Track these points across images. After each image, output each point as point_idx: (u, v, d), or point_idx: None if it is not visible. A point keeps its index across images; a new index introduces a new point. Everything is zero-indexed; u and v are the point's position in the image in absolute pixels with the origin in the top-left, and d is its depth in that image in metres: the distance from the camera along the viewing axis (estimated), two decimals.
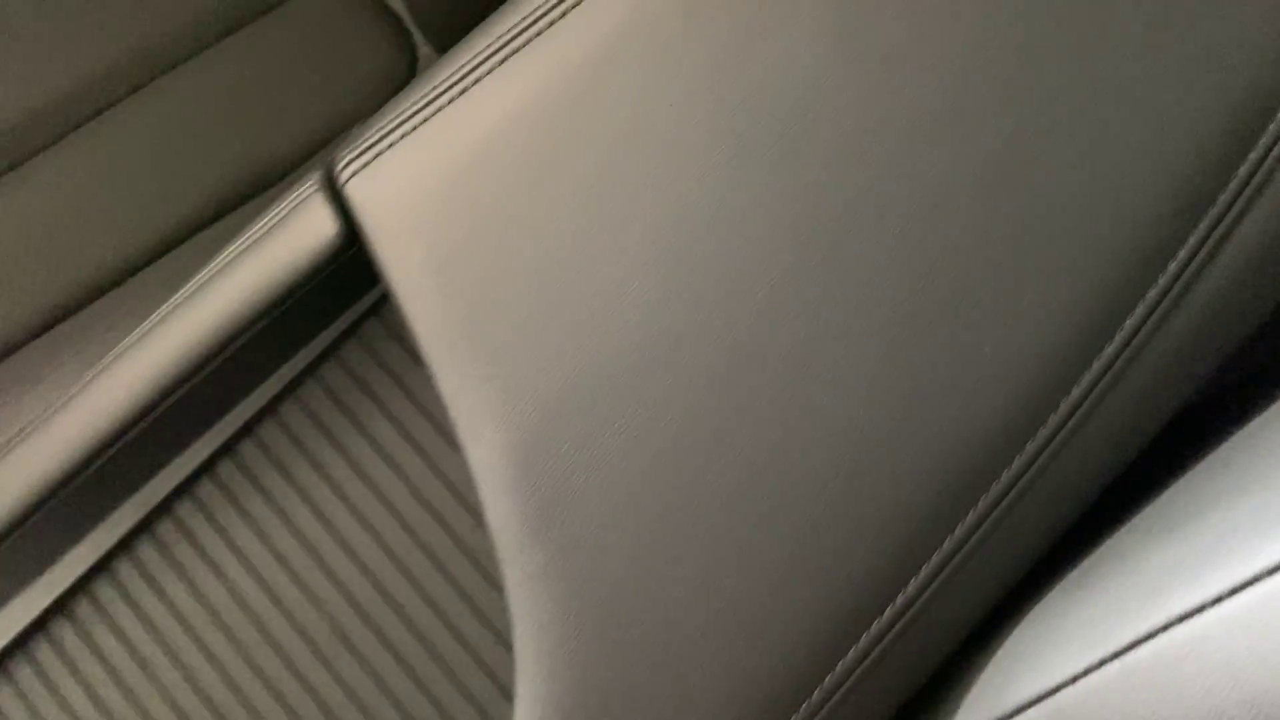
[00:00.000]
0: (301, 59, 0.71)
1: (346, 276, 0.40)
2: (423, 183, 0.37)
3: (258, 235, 0.38)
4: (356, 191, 0.37)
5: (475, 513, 0.39)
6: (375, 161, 0.38)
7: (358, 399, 0.41)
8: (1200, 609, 0.24)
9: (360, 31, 0.69)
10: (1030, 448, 0.34)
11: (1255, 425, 0.35)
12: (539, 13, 0.38)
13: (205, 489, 0.41)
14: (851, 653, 0.34)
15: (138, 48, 0.68)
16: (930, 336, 0.34)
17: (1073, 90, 0.35)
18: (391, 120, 0.38)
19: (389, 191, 0.37)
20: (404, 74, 0.67)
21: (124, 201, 0.66)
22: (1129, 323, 0.35)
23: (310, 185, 0.39)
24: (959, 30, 0.35)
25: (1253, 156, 0.34)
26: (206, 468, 0.41)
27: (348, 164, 0.38)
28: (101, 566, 0.42)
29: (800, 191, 0.35)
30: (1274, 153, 0.34)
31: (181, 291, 0.38)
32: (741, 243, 0.35)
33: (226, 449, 0.41)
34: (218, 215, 0.67)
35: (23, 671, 0.41)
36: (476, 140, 0.37)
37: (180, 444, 0.40)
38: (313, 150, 0.70)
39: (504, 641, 0.40)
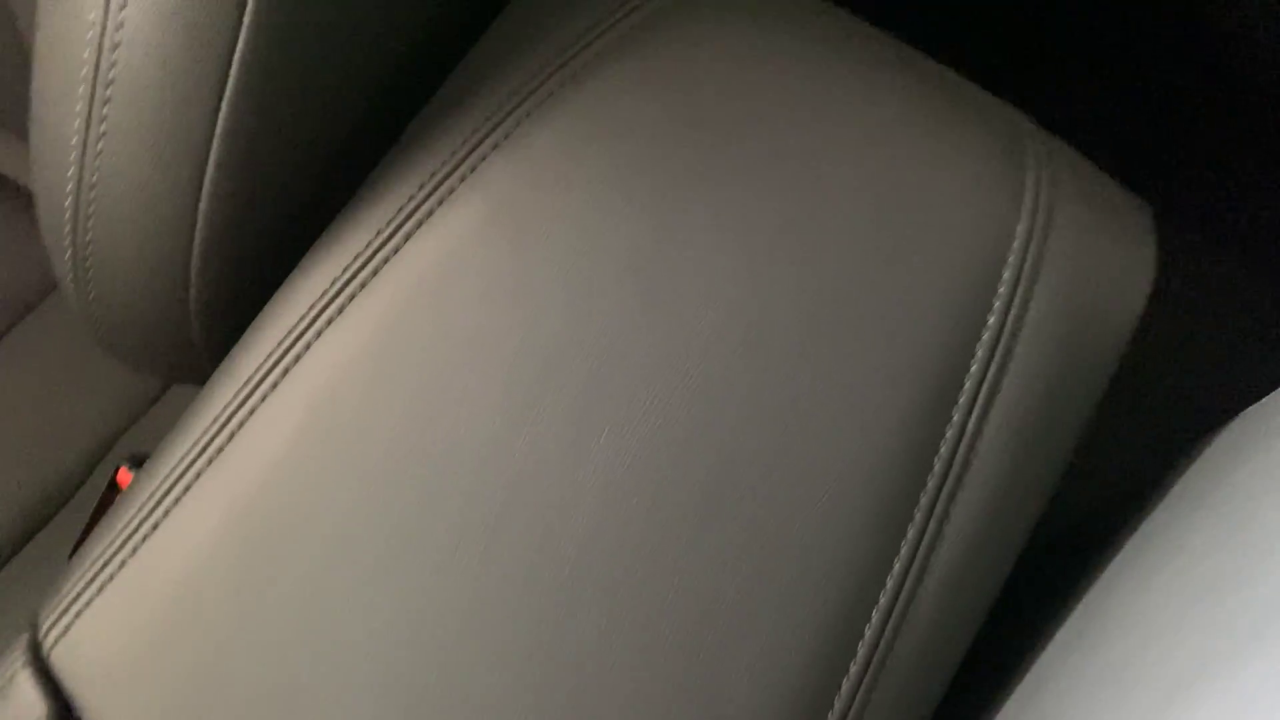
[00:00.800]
0: (73, 360, 0.69)
1: None
2: (123, 645, 0.34)
3: None
4: (61, 662, 0.35)
5: None
6: (76, 623, 0.35)
7: None
8: None
9: None
10: None
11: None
12: (216, 426, 0.36)
13: None
14: None
15: None
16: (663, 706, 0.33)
17: (756, 424, 0.34)
18: (86, 572, 0.36)
19: (92, 658, 0.35)
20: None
21: None
22: (866, 639, 0.34)
23: (16, 657, 0.36)
24: (630, 406, 0.34)
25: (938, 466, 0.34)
26: None
27: (49, 629, 0.36)
28: None
29: (513, 587, 0.34)
30: (958, 458, 0.34)
31: None
32: (460, 667, 0.33)
33: None
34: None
35: None
36: (169, 586, 0.35)
37: None
38: (105, 449, 0.67)
39: None
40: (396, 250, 0.37)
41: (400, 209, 0.38)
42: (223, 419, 0.37)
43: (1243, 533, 0.28)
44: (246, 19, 0.33)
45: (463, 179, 0.37)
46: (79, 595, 0.36)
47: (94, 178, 0.37)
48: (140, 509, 0.36)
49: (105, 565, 0.36)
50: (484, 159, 0.38)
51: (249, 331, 0.38)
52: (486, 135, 0.38)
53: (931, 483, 0.35)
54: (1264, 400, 0.38)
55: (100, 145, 0.36)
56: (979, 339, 0.35)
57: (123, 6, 0.34)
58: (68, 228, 0.39)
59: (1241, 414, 0.39)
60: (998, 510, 0.36)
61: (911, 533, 0.34)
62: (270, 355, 0.37)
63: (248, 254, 0.40)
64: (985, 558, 0.36)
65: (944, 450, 0.35)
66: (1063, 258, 0.37)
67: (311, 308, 0.37)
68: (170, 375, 0.51)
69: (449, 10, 0.41)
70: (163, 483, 0.36)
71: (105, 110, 0.36)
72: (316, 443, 0.35)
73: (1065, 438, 0.37)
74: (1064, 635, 0.36)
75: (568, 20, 0.40)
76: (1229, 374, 0.69)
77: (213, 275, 0.40)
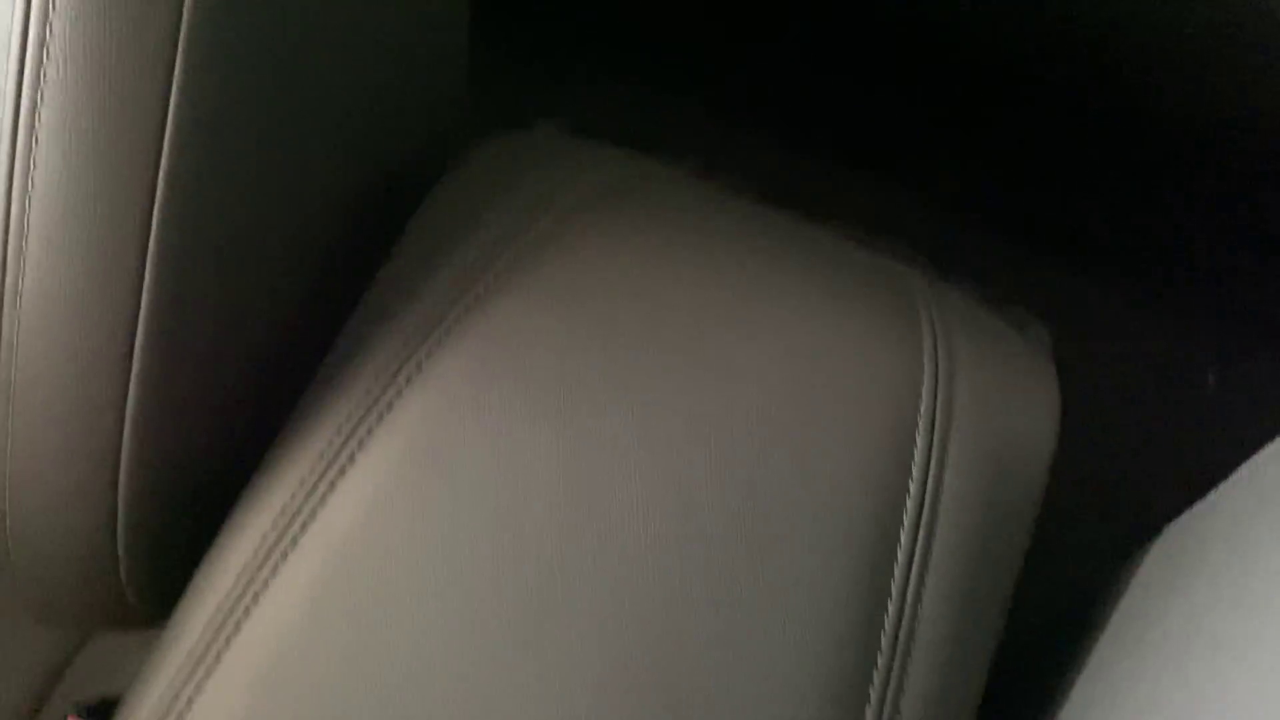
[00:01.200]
0: None
1: None
2: None
3: None
4: None
5: None
6: None
7: None
8: None
9: None
10: None
11: None
12: (162, 706, 0.36)
13: None
14: None
15: None
16: None
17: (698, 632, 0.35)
18: None
19: None
20: None
21: None
22: None
23: None
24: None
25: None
26: None
27: None
28: None
29: None
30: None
31: None
32: None
33: None
34: None
35: None
36: None
37: None
38: (44, 696, 0.65)
39: None
40: (324, 499, 0.37)
41: (321, 455, 0.38)
42: (168, 698, 0.36)
43: (1181, 691, 0.29)
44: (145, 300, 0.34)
45: (380, 419, 0.38)
46: None
47: (7, 466, 0.37)
48: None
49: None
50: (399, 394, 0.38)
51: (183, 602, 0.38)
52: (398, 370, 0.38)
53: (882, 660, 0.35)
54: (1187, 514, 0.40)
55: (9, 443, 0.36)
56: (903, 508, 0.36)
57: (16, 301, 0.34)
58: None
59: (1164, 530, 0.40)
60: (951, 665, 0.36)
61: (869, 714, 0.35)
62: (208, 626, 0.36)
63: (174, 515, 0.40)
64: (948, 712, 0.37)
65: (888, 626, 0.35)
66: (969, 411, 0.38)
67: (245, 569, 0.37)
68: (108, 627, 0.50)
69: (345, 253, 0.42)
70: None
71: (11, 409, 0.35)
72: (266, 714, 0.35)
73: (1003, 581, 0.38)
74: None
75: (467, 242, 0.40)
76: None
77: (140, 545, 0.39)
